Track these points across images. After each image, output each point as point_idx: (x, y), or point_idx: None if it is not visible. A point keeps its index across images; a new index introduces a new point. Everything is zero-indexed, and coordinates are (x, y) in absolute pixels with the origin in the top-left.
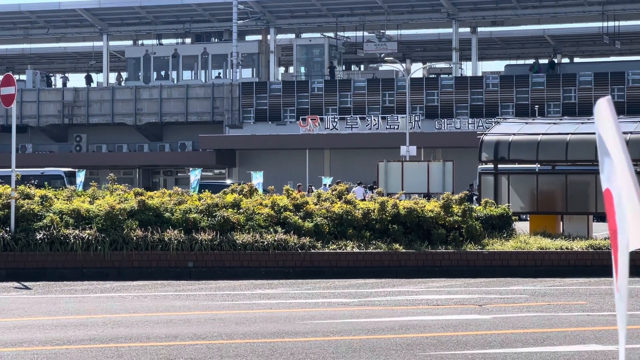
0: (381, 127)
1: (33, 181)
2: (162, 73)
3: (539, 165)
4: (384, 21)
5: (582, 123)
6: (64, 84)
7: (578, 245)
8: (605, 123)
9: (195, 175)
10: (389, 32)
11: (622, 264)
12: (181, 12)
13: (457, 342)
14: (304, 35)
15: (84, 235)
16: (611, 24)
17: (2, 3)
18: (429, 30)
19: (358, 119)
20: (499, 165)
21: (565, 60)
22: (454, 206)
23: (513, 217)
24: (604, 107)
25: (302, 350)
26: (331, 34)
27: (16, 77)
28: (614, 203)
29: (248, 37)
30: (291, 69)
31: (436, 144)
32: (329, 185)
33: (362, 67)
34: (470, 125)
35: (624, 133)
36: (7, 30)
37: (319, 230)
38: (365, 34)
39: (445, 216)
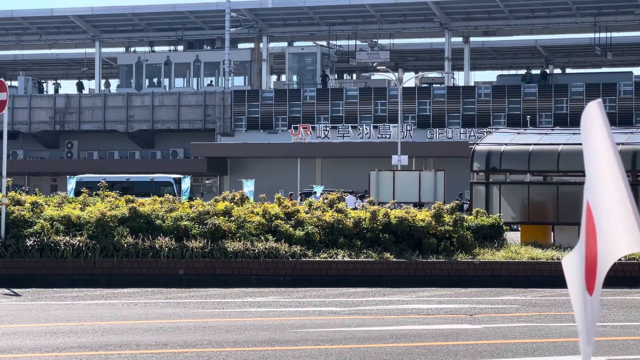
0: (373, 136)
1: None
2: (154, 80)
3: (530, 176)
4: (377, 30)
5: (574, 134)
6: (56, 91)
7: None
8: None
9: (185, 182)
10: (381, 41)
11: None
12: (174, 20)
13: (447, 352)
14: (296, 43)
15: (74, 242)
16: (603, 35)
17: None
18: (421, 40)
19: (350, 127)
20: (491, 176)
21: (557, 70)
22: (445, 216)
23: (504, 227)
24: (594, 110)
25: (293, 358)
26: (324, 43)
27: (8, 83)
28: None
29: (240, 45)
30: (283, 77)
31: (428, 154)
32: (320, 194)
33: (354, 76)
34: (462, 135)
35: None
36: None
37: (310, 238)
38: (358, 42)
39: (436, 225)
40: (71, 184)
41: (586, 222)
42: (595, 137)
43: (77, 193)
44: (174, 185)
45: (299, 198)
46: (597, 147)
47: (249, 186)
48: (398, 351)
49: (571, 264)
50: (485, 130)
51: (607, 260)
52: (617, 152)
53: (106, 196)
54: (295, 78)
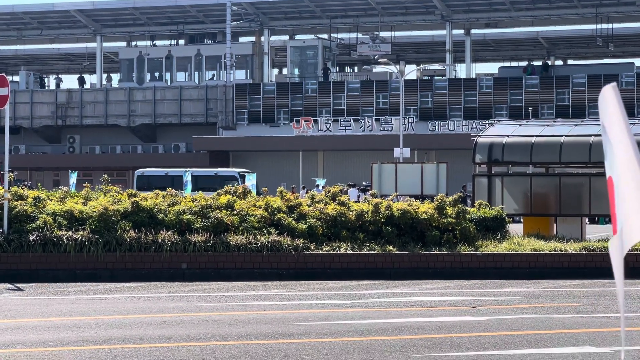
0: (375, 129)
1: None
2: (156, 74)
3: (532, 168)
4: (378, 23)
5: (576, 125)
6: (58, 85)
7: (572, 247)
8: (609, 110)
9: (187, 176)
10: (382, 34)
11: (617, 254)
12: (175, 14)
13: (451, 344)
14: (297, 36)
15: (77, 237)
16: (604, 26)
17: None
18: (422, 32)
19: (352, 120)
20: (493, 168)
21: (559, 62)
22: (447, 208)
23: (507, 219)
24: (609, 94)
25: (296, 351)
26: (325, 36)
27: (9, 78)
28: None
29: (242, 39)
30: (285, 71)
31: (430, 146)
32: (323, 187)
33: (355, 68)
34: (464, 127)
35: None
36: (1, 31)
37: (312, 231)
38: (359, 35)
39: (439, 218)
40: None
41: (610, 199)
42: (612, 120)
43: (139, 188)
44: (239, 180)
45: (303, 191)
46: (614, 131)
47: (251, 180)
48: (401, 344)
49: (612, 244)
50: (487, 122)
51: (626, 242)
52: (632, 134)
53: (108, 190)
54: (296, 71)
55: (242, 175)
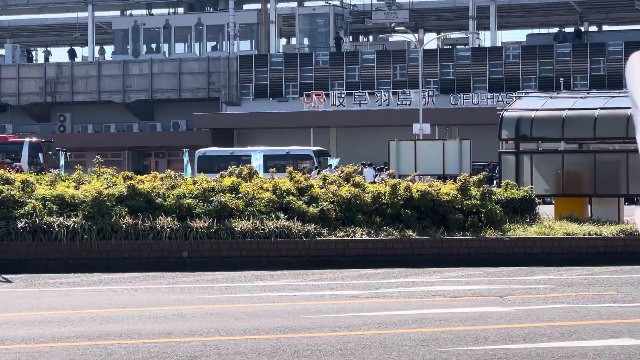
0: (392, 103)
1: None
2: (153, 46)
3: (564, 144)
4: None
5: (612, 97)
6: (46, 59)
7: (608, 231)
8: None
9: (188, 157)
10: (399, 0)
11: None
12: None
13: (476, 337)
14: (307, 3)
15: (69, 224)
16: None
17: None
18: None
19: (367, 94)
20: (521, 144)
21: (593, 28)
22: (471, 188)
23: (536, 200)
24: (636, 61)
25: (307, 347)
26: (337, 2)
27: None
28: None
29: (246, 6)
30: (293, 41)
31: (452, 121)
32: (336, 167)
33: (370, 38)
34: (489, 100)
35: None
36: None
37: (325, 216)
38: (374, 1)
39: (462, 200)
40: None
41: None
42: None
43: (201, 170)
44: (315, 159)
45: (314, 172)
46: None
47: (257, 160)
48: (422, 337)
49: None
50: (514, 94)
51: None
52: None
53: (102, 173)
54: (306, 41)
55: (318, 154)
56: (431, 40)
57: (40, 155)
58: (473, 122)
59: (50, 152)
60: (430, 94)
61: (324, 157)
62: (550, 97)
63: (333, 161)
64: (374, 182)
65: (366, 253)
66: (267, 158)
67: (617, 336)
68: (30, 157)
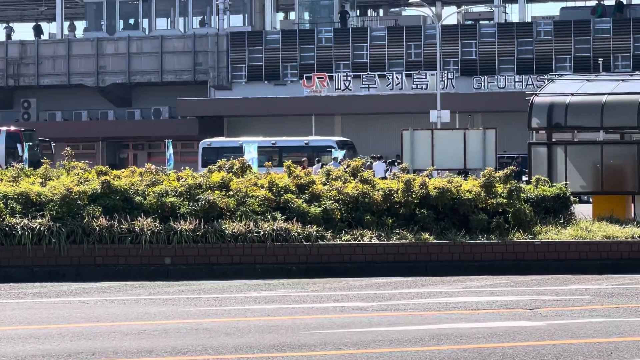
0: (405, 87)
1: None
2: (131, 22)
3: (604, 134)
4: None
5: None
6: (8, 37)
7: None
8: None
9: (171, 149)
10: None
11: None
12: None
13: (503, 355)
14: None
15: (34, 226)
16: None
17: None
18: None
19: (376, 77)
20: (554, 134)
21: (637, 0)
22: (497, 185)
23: (572, 199)
24: None
25: None
26: None
27: None
28: None
29: None
30: (292, 16)
31: (474, 108)
32: (341, 161)
33: (380, 12)
34: (517, 83)
35: None
36: None
37: (328, 216)
38: None
39: (486, 198)
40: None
41: None
42: None
43: (206, 163)
44: (337, 150)
45: (317, 165)
46: None
47: (251, 152)
48: (441, 356)
49: None
50: (546, 77)
51: None
52: None
53: (72, 167)
54: (307, 16)
55: (342, 145)
56: (450, 15)
57: (19, 146)
58: (499, 109)
59: (31, 143)
60: (449, 76)
61: (347, 148)
62: (588, 80)
63: (338, 154)
64: (384, 178)
65: (376, 259)
66: (282, 150)
67: None
68: (8, 149)
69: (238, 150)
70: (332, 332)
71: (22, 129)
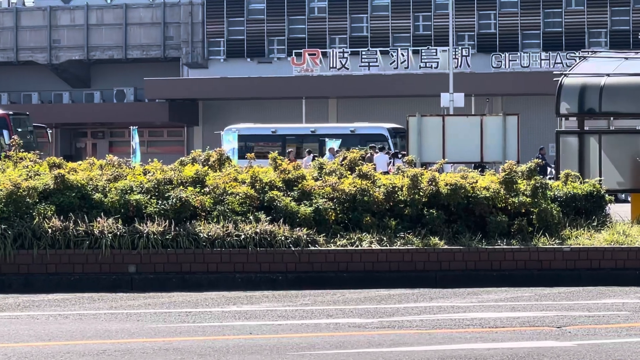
0: (412, 66)
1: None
2: None
3: None
4: None
5: None
6: None
7: None
8: None
9: (137, 138)
10: None
11: None
12: None
13: None
14: None
15: None
16: None
17: None
18: None
19: (378, 53)
20: (587, 121)
21: None
22: (519, 182)
23: (607, 197)
24: None
25: None
26: None
27: None
28: None
29: None
30: None
31: (493, 91)
32: (337, 152)
33: None
34: (543, 62)
35: None
36: None
37: (321, 217)
38: None
39: (506, 196)
40: (229, 139)
41: None
42: None
43: (243, 151)
44: (389, 140)
45: (307, 157)
46: None
47: (231, 142)
48: None
49: None
50: (577, 54)
51: None
52: None
53: (20, 159)
54: None
55: (394, 133)
56: None
57: (6, 133)
58: (522, 92)
59: (20, 129)
60: (464, 53)
61: (401, 137)
62: (627, 58)
63: (332, 143)
64: (387, 173)
65: (376, 268)
66: (321, 137)
67: None
68: None
69: (269, 139)
70: (325, 354)
71: (10, 112)
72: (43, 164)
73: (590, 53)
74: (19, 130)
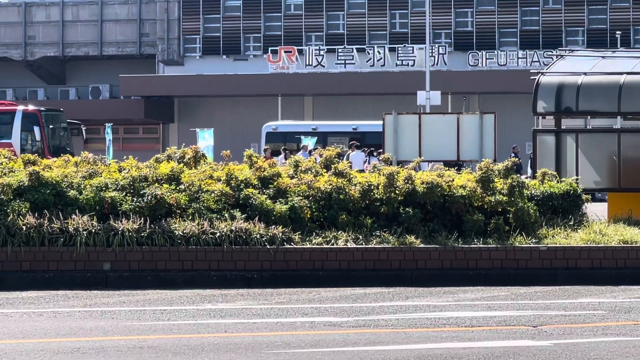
0: (389, 64)
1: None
2: None
3: (622, 120)
4: None
5: None
6: None
7: None
8: None
9: (112, 134)
10: None
11: None
12: None
13: None
14: None
15: None
16: None
17: None
18: None
19: (354, 50)
20: (564, 120)
21: None
22: (496, 180)
23: (584, 197)
24: None
25: None
26: None
27: None
28: None
29: None
30: None
31: (470, 88)
32: (313, 150)
33: None
34: (520, 60)
35: None
36: None
37: (296, 215)
38: None
39: (483, 195)
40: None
41: None
42: None
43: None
44: None
45: (281, 155)
46: None
47: (206, 138)
48: None
49: None
50: (554, 53)
51: None
52: None
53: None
54: None
55: None
56: None
57: (37, 130)
58: (499, 90)
59: (52, 126)
60: (441, 51)
61: None
62: (604, 57)
63: (308, 141)
64: (363, 171)
65: (352, 266)
66: (363, 135)
67: None
68: (25, 133)
69: (308, 137)
70: (300, 352)
71: (42, 109)
72: (17, 161)
73: (567, 52)
74: (51, 127)
